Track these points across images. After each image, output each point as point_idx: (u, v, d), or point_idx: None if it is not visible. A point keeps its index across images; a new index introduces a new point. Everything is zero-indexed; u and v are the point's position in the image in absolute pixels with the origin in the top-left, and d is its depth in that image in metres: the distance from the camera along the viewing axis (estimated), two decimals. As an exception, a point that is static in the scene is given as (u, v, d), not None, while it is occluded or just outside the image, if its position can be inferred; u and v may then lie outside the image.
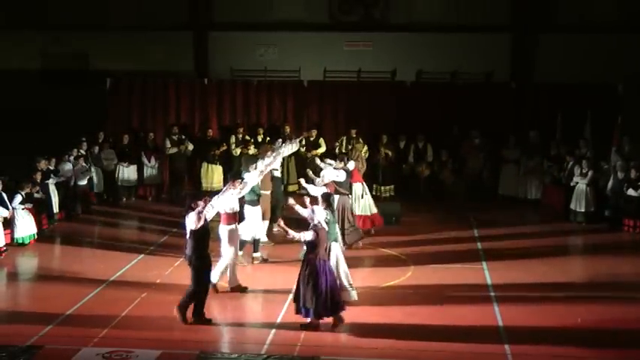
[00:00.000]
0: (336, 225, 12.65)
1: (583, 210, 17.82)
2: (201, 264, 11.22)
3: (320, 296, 10.86)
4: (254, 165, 14.25)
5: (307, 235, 10.97)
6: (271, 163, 14.57)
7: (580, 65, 21.67)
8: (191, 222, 11.22)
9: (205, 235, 11.32)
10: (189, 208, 11.37)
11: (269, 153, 14.80)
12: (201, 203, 11.32)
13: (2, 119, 21.60)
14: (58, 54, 23.53)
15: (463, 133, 20.68)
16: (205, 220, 11.33)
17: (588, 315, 11.62)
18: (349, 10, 23.56)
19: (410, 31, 23.01)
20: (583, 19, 22.47)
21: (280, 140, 16.93)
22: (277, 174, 16.60)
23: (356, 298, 11.95)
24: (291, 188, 19.92)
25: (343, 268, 12.01)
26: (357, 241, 15.37)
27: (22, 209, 15.57)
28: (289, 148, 15.34)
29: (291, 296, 11.71)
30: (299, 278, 11.08)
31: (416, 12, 23.27)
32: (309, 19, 23.34)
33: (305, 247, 11.11)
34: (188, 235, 11.31)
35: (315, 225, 11.10)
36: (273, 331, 10.97)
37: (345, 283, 11.92)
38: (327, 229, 11.31)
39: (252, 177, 13.81)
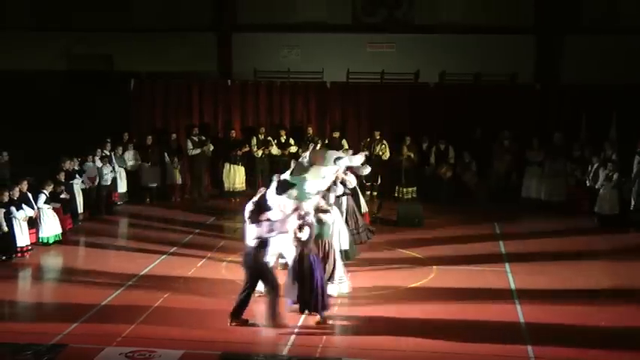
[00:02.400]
0: (333, 224, 12.59)
1: (608, 213, 17.69)
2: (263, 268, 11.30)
3: (313, 291, 11.10)
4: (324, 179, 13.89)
5: (304, 235, 11.17)
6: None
7: (605, 66, 21.52)
8: (264, 229, 11.17)
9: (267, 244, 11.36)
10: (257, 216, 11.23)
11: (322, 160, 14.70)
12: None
13: (28, 119, 21.81)
14: (83, 55, 23.72)
15: (486, 135, 20.57)
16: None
17: (612, 318, 11.54)
18: (372, 11, 23.57)
19: (433, 33, 22.98)
20: (608, 19, 22.32)
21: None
22: None
23: (345, 291, 12.24)
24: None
25: (339, 262, 12.34)
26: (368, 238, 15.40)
27: (48, 208, 15.72)
28: (356, 159, 15.13)
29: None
30: (295, 275, 11.22)
31: (439, 13, 23.23)
32: (332, 21, 23.37)
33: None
34: (253, 242, 11.20)
35: (305, 221, 11.24)
36: (296, 332, 10.99)
37: (341, 275, 12.24)
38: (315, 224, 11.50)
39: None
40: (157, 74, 22.40)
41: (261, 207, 11.31)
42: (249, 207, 11.38)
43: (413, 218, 17.65)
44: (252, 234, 11.12)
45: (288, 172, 12.93)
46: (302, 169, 12.95)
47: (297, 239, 11.28)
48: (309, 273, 11.16)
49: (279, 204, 12.04)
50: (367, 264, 14.21)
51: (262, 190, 12.25)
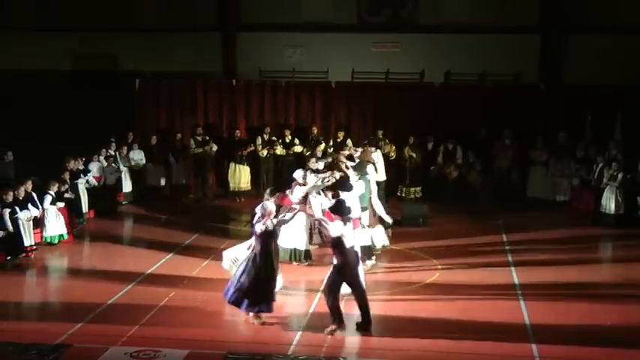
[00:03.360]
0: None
1: (612, 212, 17.66)
2: None
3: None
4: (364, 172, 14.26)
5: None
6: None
7: (610, 66, 21.51)
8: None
9: None
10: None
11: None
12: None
13: (33, 119, 21.85)
14: (87, 55, 23.80)
15: (491, 135, 20.54)
16: None
17: (618, 317, 11.53)
18: (377, 11, 23.59)
19: (438, 32, 22.99)
20: (613, 19, 22.28)
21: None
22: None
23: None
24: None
25: None
26: None
27: (56, 209, 15.72)
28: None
29: (315, 298, 11.77)
30: (254, 274, 11.11)
31: (444, 13, 23.24)
32: (337, 21, 23.40)
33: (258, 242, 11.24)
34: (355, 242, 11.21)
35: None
36: (300, 332, 10.99)
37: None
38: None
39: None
40: (161, 74, 22.44)
41: (342, 209, 11.22)
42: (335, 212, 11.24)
43: (418, 218, 17.63)
44: (351, 236, 11.06)
45: (353, 173, 13.87)
46: (362, 168, 14.11)
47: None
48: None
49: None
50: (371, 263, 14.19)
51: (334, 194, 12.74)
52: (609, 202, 17.67)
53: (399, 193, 20.33)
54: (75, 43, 23.89)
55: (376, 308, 11.71)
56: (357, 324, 11.02)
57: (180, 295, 12.52)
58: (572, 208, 19.37)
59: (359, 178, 13.85)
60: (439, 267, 14.28)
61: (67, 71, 23.71)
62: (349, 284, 10.98)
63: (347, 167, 14.45)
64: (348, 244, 10.89)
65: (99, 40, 23.66)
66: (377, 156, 16.55)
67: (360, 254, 11.47)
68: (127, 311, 11.70)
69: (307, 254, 14.29)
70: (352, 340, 10.79)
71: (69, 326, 11.01)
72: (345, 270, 10.87)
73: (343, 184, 13.18)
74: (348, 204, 11.36)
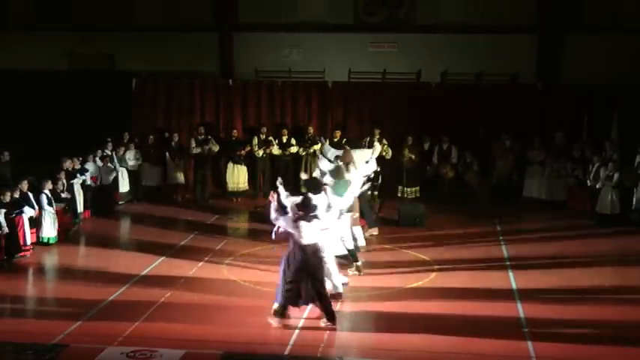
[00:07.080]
0: None
1: (609, 212, 17.67)
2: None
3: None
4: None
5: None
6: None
7: (607, 66, 21.50)
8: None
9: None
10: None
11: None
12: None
13: (29, 119, 21.83)
14: (84, 55, 23.74)
15: (488, 135, 20.55)
16: None
17: (614, 316, 11.56)
18: (374, 11, 23.57)
19: (435, 32, 22.97)
20: (610, 19, 22.29)
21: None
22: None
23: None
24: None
25: None
26: None
27: (53, 207, 15.72)
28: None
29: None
30: (293, 274, 11.12)
31: (441, 13, 23.21)
32: (334, 20, 23.37)
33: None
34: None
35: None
36: (297, 331, 10.98)
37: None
38: None
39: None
40: (158, 74, 22.39)
41: (310, 207, 11.33)
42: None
43: (415, 218, 17.63)
44: (309, 232, 11.15)
45: (330, 179, 13.87)
46: (341, 173, 14.12)
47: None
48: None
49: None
50: (369, 264, 14.19)
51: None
52: (605, 203, 17.69)
53: (399, 194, 20.29)
54: (72, 43, 23.84)
55: (373, 308, 11.74)
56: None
57: (177, 295, 12.52)
58: (568, 209, 19.39)
59: (335, 183, 13.74)
60: (435, 267, 14.28)
61: (63, 71, 23.68)
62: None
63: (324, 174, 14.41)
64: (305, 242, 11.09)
65: (96, 40, 23.61)
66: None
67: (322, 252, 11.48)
68: (124, 311, 11.70)
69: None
70: (349, 339, 10.79)
71: (65, 326, 11.00)
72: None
73: (313, 185, 13.17)
74: (314, 202, 11.46)
